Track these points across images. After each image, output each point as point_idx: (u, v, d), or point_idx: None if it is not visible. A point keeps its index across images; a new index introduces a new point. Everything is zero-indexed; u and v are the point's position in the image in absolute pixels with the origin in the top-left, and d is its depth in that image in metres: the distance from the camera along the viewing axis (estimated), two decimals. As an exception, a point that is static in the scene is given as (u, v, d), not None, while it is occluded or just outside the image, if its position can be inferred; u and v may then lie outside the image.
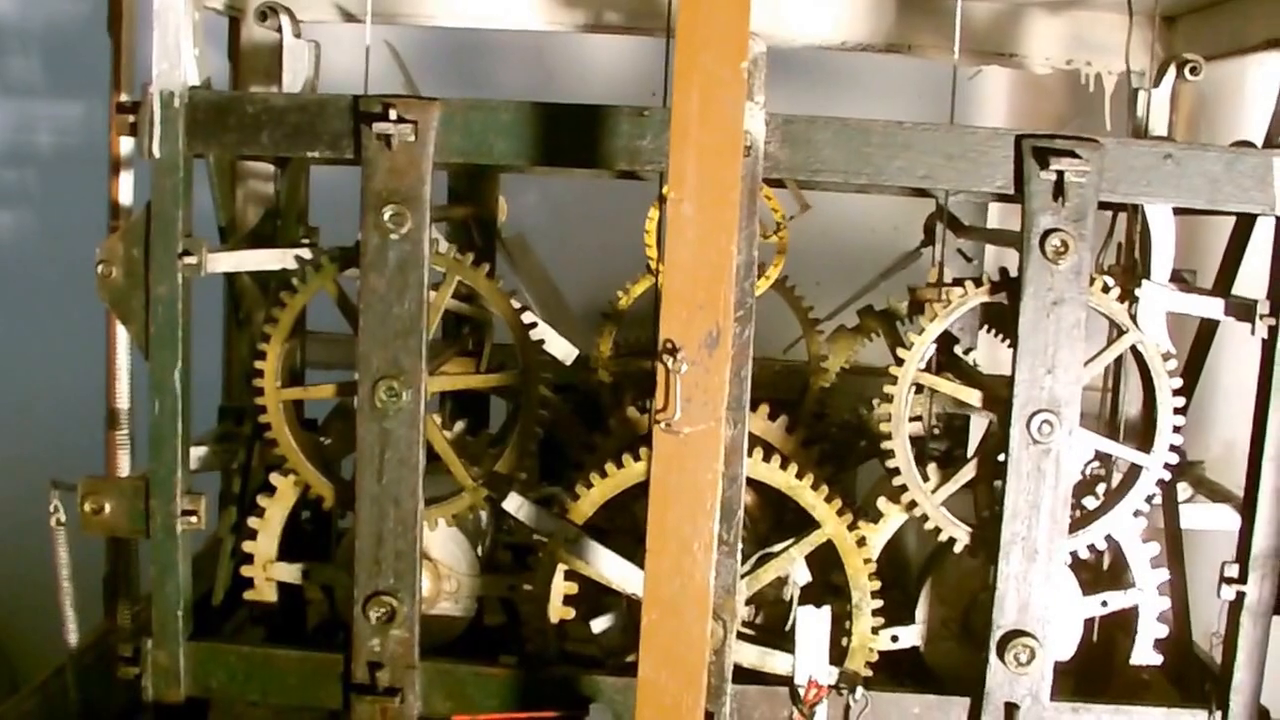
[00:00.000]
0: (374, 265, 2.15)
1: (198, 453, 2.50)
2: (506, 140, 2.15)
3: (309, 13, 2.92)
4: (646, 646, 1.91)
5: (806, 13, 3.18)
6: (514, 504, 2.23)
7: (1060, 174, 2.08)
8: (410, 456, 2.18)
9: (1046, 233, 2.10)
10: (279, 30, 2.80)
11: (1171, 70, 2.72)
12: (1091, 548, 2.27)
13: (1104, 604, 2.35)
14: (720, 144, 1.82)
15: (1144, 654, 2.35)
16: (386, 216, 2.13)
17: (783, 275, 2.97)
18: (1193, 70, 2.71)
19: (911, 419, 2.81)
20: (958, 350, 2.80)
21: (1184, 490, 2.64)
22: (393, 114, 2.09)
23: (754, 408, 2.69)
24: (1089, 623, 2.45)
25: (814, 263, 3.60)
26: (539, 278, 3.33)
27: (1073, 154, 2.08)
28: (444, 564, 2.40)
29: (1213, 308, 2.26)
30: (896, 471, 2.24)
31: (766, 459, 2.28)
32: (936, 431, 2.81)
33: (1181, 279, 2.50)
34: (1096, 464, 2.63)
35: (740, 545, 2.17)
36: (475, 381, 2.34)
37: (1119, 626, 2.47)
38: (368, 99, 2.13)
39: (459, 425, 2.45)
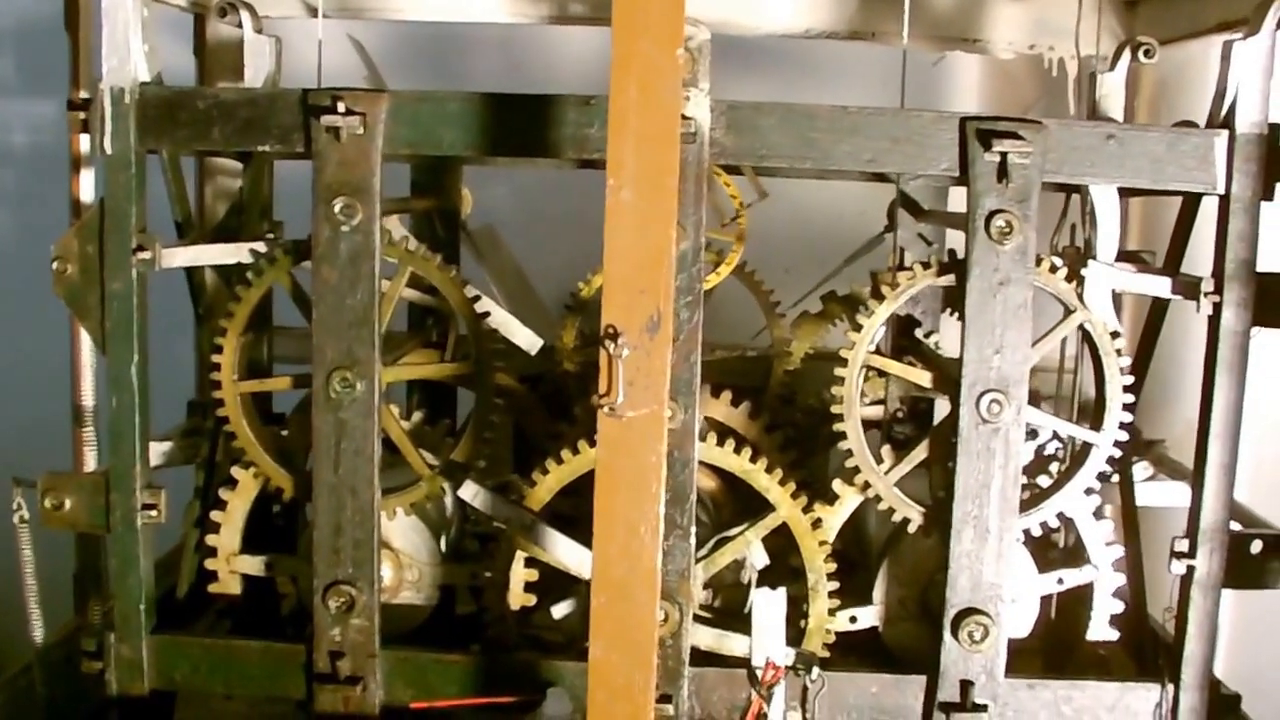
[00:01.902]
0: (326, 257, 2.17)
1: (163, 448, 2.53)
2: (454, 131, 2.16)
3: (276, 8, 2.93)
4: (597, 629, 1.93)
5: (769, 0, 3.20)
6: (469, 492, 2.25)
7: (1004, 155, 2.10)
8: (366, 447, 2.20)
9: (991, 214, 2.12)
10: (240, 26, 2.82)
11: (1126, 53, 2.74)
12: (1045, 526, 2.29)
13: (1060, 581, 2.37)
14: (658, 131, 1.84)
15: (1100, 630, 2.37)
16: (337, 208, 2.15)
17: (745, 262, 3.00)
18: (1146, 53, 2.72)
19: (876, 403, 2.84)
20: (919, 334, 2.83)
21: (1145, 469, 2.66)
22: (341, 107, 2.11)
23: (716, 394, 2.72)
24: (1051, 599, 2.48)
25: (783, 250, 3.63)
26: (508, 269, 3.35)
27: (1016, 136, 2.10)
28: (405, 553, 2.42)
29: (1159, 286, 2.27)
30: (850, 453, 2.25)
31: (724, 444, 2.30)
32: (900, 415, 2.83)
33: (1141, 260, 2.52)
34: (1059, 444, 2.65)
35: (695, 529, 2.19)
36: (429, 371, 2.36)
37: (1083, 603, 2.49)
38: (317, 92, 2.15)
39: (417, 415, 2.47)
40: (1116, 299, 2.52)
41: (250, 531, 2.45)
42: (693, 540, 2.18)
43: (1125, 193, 2.82)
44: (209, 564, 2.42)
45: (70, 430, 2.51)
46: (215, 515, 2.40)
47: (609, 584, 1.92)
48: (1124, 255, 2.74)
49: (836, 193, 3.55)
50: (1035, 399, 2.81)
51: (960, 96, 4.24)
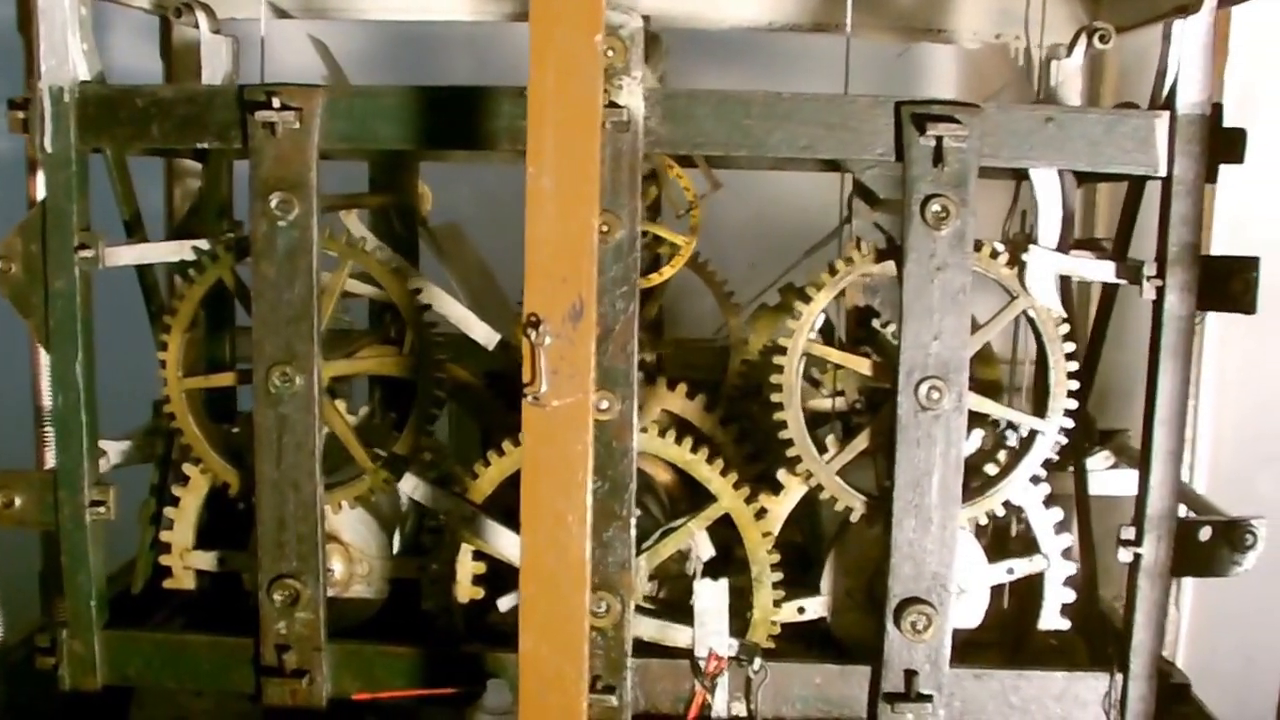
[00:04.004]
0: (264, 253, 2.18)
1: (122, 446, 2.54)
2: (390, 125, 2.17)
3: (243, 10, 2.95)
4: (526, 620, 1.93)
5: (733, -6, 3.19)
6: (409, 484, 2.26)
7: (939, 139, 2.08)
8: (307, 441, 2.21)
9: (927, 198, 2.10)
10: (196, 26, 2.84)
11: (1082, 39, 2.72)
12: (991, 514, 2.27)
13: (1010, 571, 2.35)
14: (577, 119, 1.84)
15: (1051, 619, 2.35)
16: (274, 204, 2.16)
17: (701, 255, 2.99)
18: (1101, 38, 2.71)
19: (836, 394, 2.83)
20: (876, 324, 2.81)
21: (1107, 458, 2.65)
22: (276, 102, 2.12)
23: (673, 386, 2.72)
24: (1004, 589, 2.46)
25: (748, 244, 3.62)
26: (473, 266, 3.35)
27: (951, 119, 2.08)
28: (356, 547, 2.43)
29: (1102, 271, 2.25)
30: (790, 443, 2.24)
31: (681, 437, 2.29)
32: (859, 406, 2.82)
33: (1101, 247, 2.50)
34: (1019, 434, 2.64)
35: (637, 520, 2.19)
36: (370, 365, 2.36)
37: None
38: (253, 88, 2.16)
39: (363, 409, 2.48)
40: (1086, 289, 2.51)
41: (216, 527, 2.47)
42: (633, 531, 2.18)
43: (1085, 179, 2.81)
44: (163, 560, 2.43)
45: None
46: (168, 512, 2.42)
47: (537, 575, 1.92)
48: (1085, 243, 2.72)
49: (801, 185, 3.54)
50: (997, 390, 2.81)
51: (939, 88, 4.21)
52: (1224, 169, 2.57)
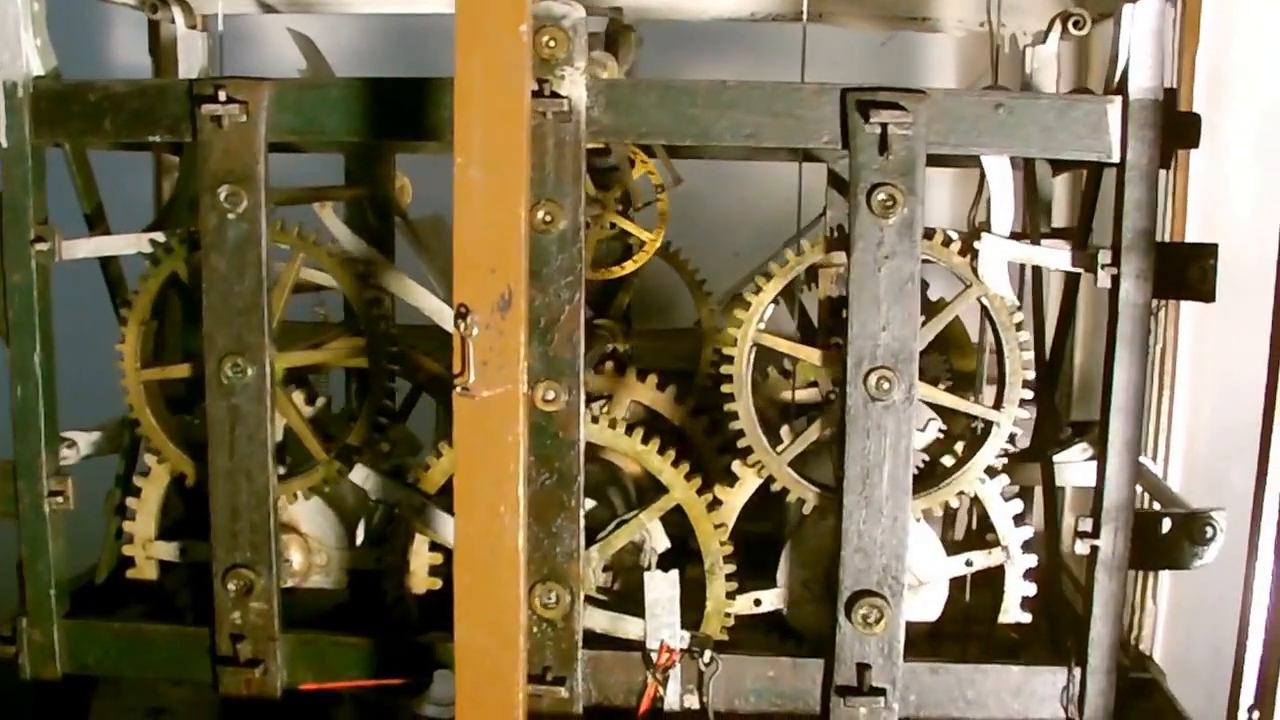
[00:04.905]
0: (214, 245, 2.19)
1: (92, 437, 2.57)
2: (337, 117, 2.17)
3: (230, 5, 2.97)
4: (462, 611, 1.93)
5: (713, -15, 3.17)
6: (360, 475, 2.27)
7: (884, 126, 2.05)
8: (259, 432, 2.22)
9: (874, 187, 2.08)
10: (172, 21, 2.87)
11: (1057, 26, 2.68)
12: (946, 506, 2.24)
13: (969, 563, 2.32)
14: (504, 109, 1.83)
15: (1012, 612, 2.32)
16: (223, 196, 2.17)
17: (685, 244, 2.98)
18: (1076, 24, 2.68)
19: (809, 384, 2.80)
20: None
21: (1084, 450, 2.60)
22: (222, 95, 2.13)
23: (643, 377, 2.71)
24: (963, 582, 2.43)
25: (732, 234, 3.60)
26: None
27: (896, 106, 2.05)
28: (314, 538, 2.44)
29: (1057, 259, 2.21)
30: (742, 433, 2.23)
31: (648, 429, 2.28)
32: (833, 397, 2.79)
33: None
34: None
35: (583, 511, 2.18)
36: (322, 356, 2.37)
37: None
38: (201, 82, 2.18)
39: (321, 401, 2.49)
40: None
41: (192, 518, 2.49)
42: (581, 522, 2.17)
43: (1058, 167, 2.77)
44: (126, 550, 2.46)
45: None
46: (130, 502, 2.44)
47: (472, 565, 1.92)
48: (1058, 233, 2.68)
49: (787, 175, 3.52)
50: (972, 381, 2.77)
51: (937, 77, 4.16)
52: (1198, 155, 2.53)
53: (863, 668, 2.18)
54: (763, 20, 3.27)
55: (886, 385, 2.11)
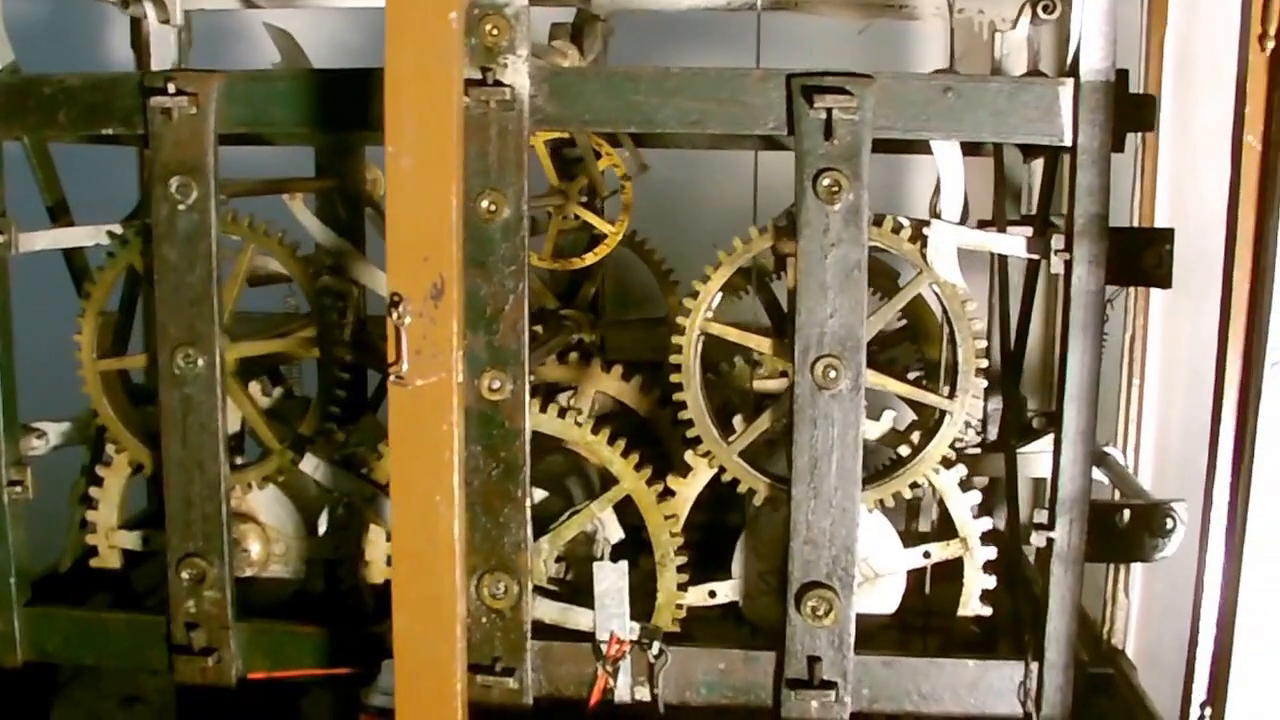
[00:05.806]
0: (165, 236, 2.20)
1: (62, 428, 2.60)
2: (285, 109, 2.17)
3: (212, 1, 2.99)
4: (399, 601, 1.93)
5: (691, -25, 3.15)
6: (310, 464, 2.27)
7: (828, 111, 2.03)
8: (211, 422, 2.23)
9: (819, 173, 2.05)
10: (144, 17, 2.88)
11: (1027, 10, 2.64)
12: (899, 497, 2.22)
13: (926, 555, 2.29)
14: (436, 98, 1.83)
15: (972, 605, 2.28)
16: (173, 188, 2.18)
17: (639, 235, 2.96)
18: (1046, 9, 2.64)
19: (779, 374, 2.78)
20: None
21: (1050, 441, 2.56)
22: (171, 88, 2.14)
23: (608, 368, 2.70)
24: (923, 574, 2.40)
25: (709, 223, 3.57)
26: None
27: (841, 90, 2.02)
28: (272, 527, 2.45)
29: (1010, 245, 2.18)
30: (690, 423, 2.21)
31: (619, 420, 2.28)
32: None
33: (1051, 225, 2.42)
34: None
35: (530, 501, 2.16)
36: (276, 346, 2.37)
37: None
38: (152, 75, 2.19)
39: (277, 391, 2.50)
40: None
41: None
42: (528, 513, 2.16)
43: (1029, 154, 2.73)
44: (89, 539, 2.48)
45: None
46: (94, 491, 2.46)
47: (408, 555, 1.93)
48: (1025, 220, 2.65)
49: (767, 163, 3.50)
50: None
51: (924, 66, 4.12)
52: (1167, 139, 2.48)
53: (813, 660, 2.15)
54: (739, 10, 3.24)
55: (833, 374, 2.08)
